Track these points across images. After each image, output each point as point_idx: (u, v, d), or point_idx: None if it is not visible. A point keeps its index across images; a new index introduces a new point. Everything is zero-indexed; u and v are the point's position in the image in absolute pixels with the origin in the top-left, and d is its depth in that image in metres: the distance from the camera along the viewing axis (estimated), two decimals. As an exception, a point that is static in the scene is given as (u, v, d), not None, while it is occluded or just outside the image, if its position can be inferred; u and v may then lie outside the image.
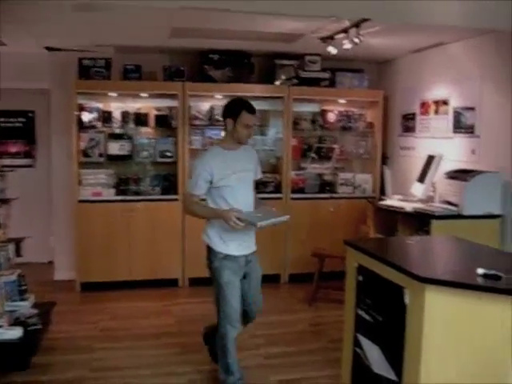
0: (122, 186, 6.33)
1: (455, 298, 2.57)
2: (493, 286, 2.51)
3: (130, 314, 5.50)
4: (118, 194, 6.28)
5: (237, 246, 3.65)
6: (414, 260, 3.26)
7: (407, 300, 2.76)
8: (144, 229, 6.24)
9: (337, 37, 5.17)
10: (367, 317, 3.17)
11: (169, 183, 6.38)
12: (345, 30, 4.91)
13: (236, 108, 3.60)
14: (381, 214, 5.60)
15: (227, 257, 3.63)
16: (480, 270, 2.65)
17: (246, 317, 3.94)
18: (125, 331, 5.05)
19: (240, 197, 3.62)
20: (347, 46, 4.94)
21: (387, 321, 2.97)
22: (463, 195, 4.80)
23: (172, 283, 6.36)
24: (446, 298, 2.59)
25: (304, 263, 6.26)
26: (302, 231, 6.54)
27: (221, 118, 6.34)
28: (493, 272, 2.63)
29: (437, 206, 5.06)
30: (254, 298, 3.91)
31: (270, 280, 6.38)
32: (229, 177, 3.58)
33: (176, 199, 6.27)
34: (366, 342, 3.20)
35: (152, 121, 6.44)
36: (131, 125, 6.38)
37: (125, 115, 6.36)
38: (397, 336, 2.83)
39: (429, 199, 5.38)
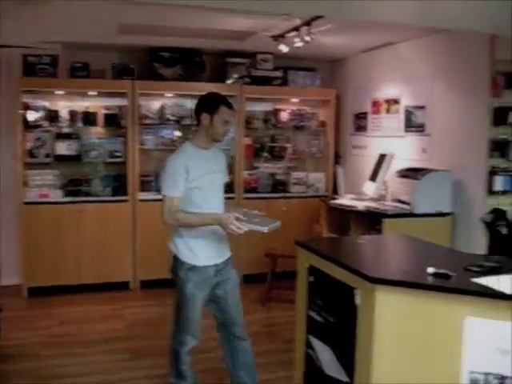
0: (71, 187, 6.14)
1: (405, 297, 2.54)
2: (442, 286, 2.50)
3: (80, 318, 5.34)
4: (66, 195, 6.09)
5: (207, 255, 3.32)
6: (365, 260, 3.24)
7: (358, 300, 2.72)
8: (93, 231, 6.08)
9: (288, 35, 5.12)
10: (318, 318, 3.13)
11: (119, 184, 6.23)
12: (296, 29, 4.88)
13: (213, 102, 3.25)
14: (333, 213, 5.60)
15: (194, 268, 3.28)
16: (430, 269, 2.63)
17: (232, 332, 3.58)
18: (74, 337, 4.89)
19: (212, 200, 3.33)
20: (298, 44, 4.90)
21: (338, 322, 2.94)
22: (414, 194, 4.83)
23: (123, 286, 6.21)
24: (397, 298, 2.56)
25: (258, 263, 6.22)
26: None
27: (172, 118, 6.43)
28: (443, 271, 2.62)
29: (388, 205, 5.08)
30: (233, 308, 3.56)
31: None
32: (202, 178, 3.25)
33: (126, 200, 6.13)
34: (317, 344, 3.15)
35: (101, 120, 6.28)
36: (79, 124, 6.21)
37: (73, 114, 6.19)
38: (348, 337, 2.80)
39: (381, 198, 5.40)
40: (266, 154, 6.85)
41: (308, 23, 4.65)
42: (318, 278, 3.11)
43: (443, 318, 2.50)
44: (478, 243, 4.73)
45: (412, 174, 5.01)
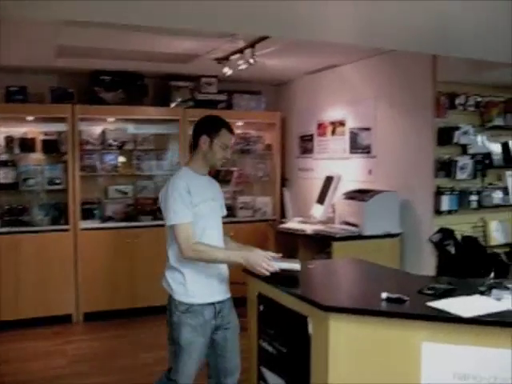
0: (7, 216, 5.84)
1: (360, 325, 2.45)
2: (398, 311, 2.42)
3: (18, 356, 5.01)
4: (2, 225, 5.77)
5: (204, 291, 2.94)
6: (316, 287, 3.13)
7: (311, 330, 2.62)
8: (33, 262, 5.76)
9: (232, 57, 5.06)
10: (270, 348, 3.00)
11: (59, 212, 5.97)
12: (240, 51, 4.81)
13: (215, 125, 3.00)
14: (281, 237, 5.50)
15: (190, 308, 2.89)
16: (384, 294, 2.55)
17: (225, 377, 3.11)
18: (11, 377, 4.57)
19: (213, 231, 2.99)
20: (242, 66, 4.84)
21: (291, 352, 2.82)
22: (362, 215, 4.79)
23: (65, 319, 5.90)
24: (351, 326, 2.47)
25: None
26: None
27: (114, 143, 6.23)
28: (396, 296, 2.54)
29: (337, 228, 5.02)
30: (231, 358, 3.09)
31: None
32: (203, 203, 2.93)
33: (67, 229, 5.87)
34: (270, 375, 3.02)
35: (39, 146, 6.02)
36: (16, 150, 5.93)
37: (9, 140, 5.91)
38: (301, 368, 2.68)
39: (329, 220, 5.34)
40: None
41: (252, 45, 4.59)
42: (268, 307, 2.99)
43: (400, 345, 2.42)
44: (427, 263, 4.73)
45: (359, 196, 4.97)
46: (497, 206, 4.90)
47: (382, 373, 2.45)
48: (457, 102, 4.59)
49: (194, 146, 3.05)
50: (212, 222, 3.00)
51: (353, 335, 2.47)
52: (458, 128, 4.57)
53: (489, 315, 2.34)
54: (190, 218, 2.83)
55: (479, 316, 2.33)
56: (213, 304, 2.97)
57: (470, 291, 2.69)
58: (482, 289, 2.67)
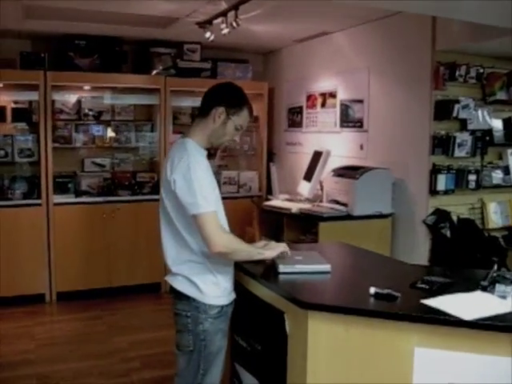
0: (-25, 190, 5.49)
1: (343, 325, 2.13)
2: (386, 311, 2.09)
3: (-18, 340, 4.72)
4: (-31, 199, 5.43)
5: (231, 286, 2.55)
6: (295, 278, 2.78)
7: (288, 327, 2.30)
8: (2, 238, 5.39)
9: (215, 21, 4.66)
10: (244, 344, 2.69)
11: (31, 186, 5.59)
12: (223, 13, 4.41)
13: (239, 100, 2.47)
14: (266, 215, 5.18)
15: (222, 311, 2.46)
16: (372, 290, 2.23)
17: None
18: (-28, 362, 4.28)
19: (223, 221, 2.53)
20: (225, 30, 4.44)
21: (266, 350, 2.50)
22: (352, 194, 4.46)
23: (38, 299, 5.57)
24: (333, 326, 2.15)
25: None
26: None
27: (90, 113, 5.81)
28: (386, 291, 2.22)
29: (324, 207, 4.69)
30: None
31: (149, 290, 5.86)
32: (216, 187, 2.47)
33: (39, 204, 5.51)
34: (243, 373, 2.72)
35: (9, 115, 5.63)
36: (-16, 120, 5.54)
37: (-24, 109, 5.52)
38: (277, 369, 2.37)
39: (316, 198, 5.01)
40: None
41: (235, 7, 4.19)
42: (242, 297, 2.64)
43: (389, 349, 2.10)
44: (420, 246, 4.42)
45: (349, 173, 4.63)
46: (496, 187, 4.57)
47: (368, 380, 2.13)
48: (457, 73, 4.22)
49: (201, 113, 2.50)
50: (221, 209, 2.52)
51: (335, 336, 2.15)
52: (457, 101, 4.20)
53: (492, 318, 2.01)
54: (215, 207, 2.35)
55: (481, 319, 2.01)
56: (234, 300, 2.57)
57: (470, 286, 2.37)
58: (484, 283, 2.35)
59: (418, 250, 4.43)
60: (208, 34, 4.81)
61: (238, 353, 2.76)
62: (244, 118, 2.49)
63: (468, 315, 2.03)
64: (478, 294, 2.30)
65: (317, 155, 5.11)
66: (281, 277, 2.52)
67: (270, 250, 2.58)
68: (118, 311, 5.36)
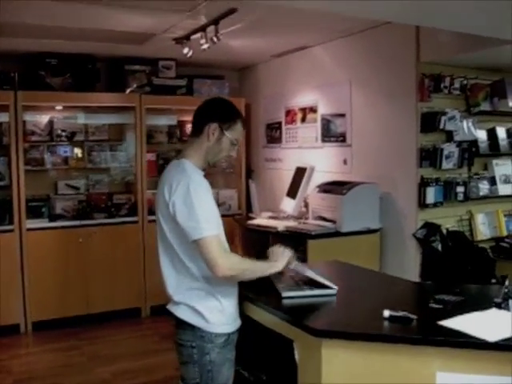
0: None
1: (360, 352, 2.00)
2: (406, 336, 1.97)
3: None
4: None
5: (237, 312, 2.40)
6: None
7: (297, 356, 2.16)
8: (-27, 267, 5.16)
9: (193, 37, 4.54)
10: (246, 374, 2.54)
11: (2, 211, 5.31)
12: (202, 28, 4.30)
13: (231, 114, 2.39)
14: (249, 233, 5.03)
15: (229, 339, 2.31)
16: (386, 313, 2.11)
17: None
18: None
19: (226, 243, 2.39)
20: (205, 46, 4.33)
21: (272, 380, 2.36)
22: (340, 210, 4.35)
23: (12, 330, 5.28)
24: (349, 354, 2.01)
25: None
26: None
27: (63, 134, 5.61)
28: (401, 313, 2.10)
29: (311, 224, 4.57)
30: None
31: (129, 315, 5.65)
32: (217, 211, 2.34)
33: (11, 230, 5.26)
34: (247, 405, 2.56)
35: (-23, 138, 5.38)
36: (-50, 144, 5.29)
37: None
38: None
39: (301, 215, 4.89)
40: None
41: (215, 22, 4.09)
42: (243, 323, 2.49)
43: (410, 375, 1.97)
44: (410, 261, 4.34)
45: (335, 189, 4.53)
46: (483, 198, 4.52)
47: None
48: (442, 84, 4.17)
49: (193, 133, 2.39)
50: (222, 230, 2.36)
51: (352, 365, 2.02)
52: (444, 113, 4.15)
53: (517, 338, 1.91)
54: (218, 229, 2.24)
55: (506, 339, 1.91)
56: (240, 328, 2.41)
57: (482, 303, 2.27)
58: (497, 300, 2.25)
59: (408, 265, 4.34)
60: (186, 50, 4.69)
61: (238, 383, 2.60)
62: (238, 131, 2.41)
63: (491, 336, 1.92)
64: (493, 312, 2.21)
65: (300, 171, 5.00)
66: (284, 302, 2.38)
67: (277, 261, 2.45)
68: (97, 340, 5.12)
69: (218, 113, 2.37)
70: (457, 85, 4.29)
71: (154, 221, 5.62)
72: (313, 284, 2.53)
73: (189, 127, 6.24)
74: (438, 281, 4.17)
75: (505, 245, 4.57)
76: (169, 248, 2.29)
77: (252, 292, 2.50)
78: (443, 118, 4.12)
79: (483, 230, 4.57)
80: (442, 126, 4.14)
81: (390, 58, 4.42)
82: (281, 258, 2.47)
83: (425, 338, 1.95)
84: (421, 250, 4.27)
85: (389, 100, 4.45)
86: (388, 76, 4.45)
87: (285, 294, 2.41)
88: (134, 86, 5.78)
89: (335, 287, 2.45)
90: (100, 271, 5.55)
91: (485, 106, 4.41)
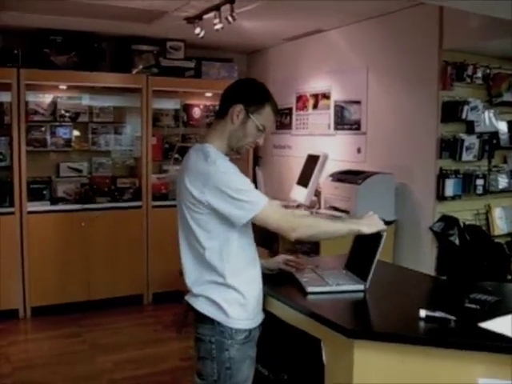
0: None
1: (396, 355, 1.86)
2: (445, 339, 1.83)
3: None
4: None
5: (259, 307, 2.25)
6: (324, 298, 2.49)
7: (326, 358, 2.02)
8: (-29, 250, 5.00)
9: (206, 16, 4.36)
10: (265, 372, 2.40)
11: (3, 193, 5.15)
12: (216, 7, 4.12)
13: (259, 95, 2.19)
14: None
15: (249, 336, 2.16)
16: (422, 313, 1.97)
17: None
18: None
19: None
20: (218, 26, 4.15)
21: (295, 380, 2.22)
22: (354, 200, 4.21)
23: (10, 315, 5.13)
24: (383, 357, 1.88)
25: (170, 280, 5.38)
26: (166, 243, 5.60)
27: (67, 114, 5.44)
28: (439, 314, 1.96)
29: (324, 214, 4.43)
30: None
31: (131, 302, 5.51)
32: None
33: (12, 212, 5.10)
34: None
35: (-22, 116, 5.20)
36: (-50, 121, 5.11)
37: None
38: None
39: (312, 204, 4.75)
40: (176, 156, 6.02)
41: (232, 0, 3.91)
42: (265, 321, 2.35)
43: (449, 382, 1.83)
44: (426, 255, 4.20)
45: (349, 178, 4.38)
46: (502, 192, 4.39)
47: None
48: (465, 73, 4.01)
49: (218, 115, 2.24)
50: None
51: (388, 368, 1.88)
52: (466, 102, 4.00)
53: None
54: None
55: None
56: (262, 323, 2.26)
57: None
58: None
59: (423, 259, 4.21)
60: (198, 30, 4.51)
61: (257, 381, 2.46)
62: (266, 116, 2.19)
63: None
64: (534, 314, 2.07)
65: (312, 159, 4.85)
66: (309, 298, 2.24)
67: (365, 224, 2.29)
68: (98, 327, 4.99)
69: (244, 94, 2.19)
70: (479, 74, 4.13)
71: (158, 206, 5.59)
72: (338, 278, 2.39)
73: (196, 111, 6.09)
74: (454, 276, 4.05)
75: (521, 240, 4.44)
76: (190, 237, 2.15)
77: (273, 285, 2.36)
78: (466, 108, 3.96)
79: (500, 224, 4.43)
80: (464, 116, 3.99)
81: (411, 44, 4.25)
82: (371, 223, 2.29)
83: (467, 341, 1.81)
84: (437, 243, 4.14)
85: (408, 88, 4.29)
86: (408, 63, 4.28)
87: (310, 289, 2.27)
88: (141, 66, 5.60)
89: (363, 282, 2.31)
90: (102, 257, 5.40)
91: (507, 97, 4.26)
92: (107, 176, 5.67)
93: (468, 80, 4.08)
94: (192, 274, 2.17)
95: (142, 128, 5.61)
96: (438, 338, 1.84)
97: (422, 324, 1.94)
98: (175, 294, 5.25)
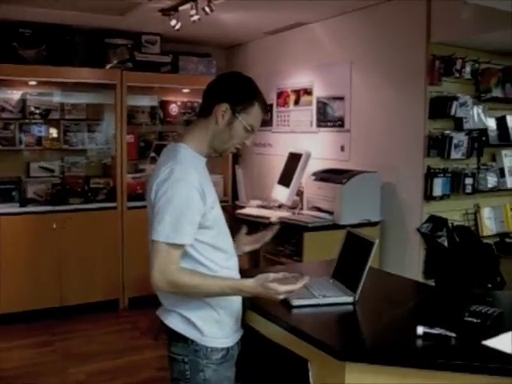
0: None
1: (394, 378, 1.67)
2: (450, 362, 1.64)
3: None
4: None
5: (237, 324, 2.05)
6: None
7: (312, 378, 1.82)
8: None
9: (182, 8, 4.15)
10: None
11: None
12: (192, -1, 3.92)
13: (247, 92, 1.97)
14: (236, 223, 4.67)
15: (227, 355, 1.97)
16: (420, 329, 1.78)
17: None
18: None
19: (227, 236, 2.07)
20: (195, 17, 3.95)
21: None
22: (339, 201, 4.02)
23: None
24: (379, 380, 1.68)
25: (147, 284, 5.14)
26: (143, 246, 5.36)
27: (37, 111, 5.16)
28: (438, 331, 1.78)
29: (307, 215, 4.24)
30: None
31: (106, 308, 5.26)
32: (216, 201, 1.99)
33: (-22, 215, 4.84)
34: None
35: None
36: None
37: None
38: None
39: (294, 205, 4.56)
40: (152, 154, 5.80)
41: (208, -9, 3.71)
42: (248, 338, 2.15)
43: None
44: (413, 257, 4.03)
45: (333, 177, 4.19)
46: (491, 191, 4.24)
47: None
48: (454, 67, 3.85)
49: (201, 113, 2.02)
50: (223, 223, 2.04)
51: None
52: (456, 98, 3.83)
53: None
54: (185, 240, 1.83)
55: None
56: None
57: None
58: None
59: (410, 262, 4.04)
60: (173, 22, 4.30)
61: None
62: (255, 115, 1.97)
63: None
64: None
65: (293, 157, 4.65)
66: (294, 312, 2.05)
67: (257, 292, 1.87)
68: (71, 335, 4.74)
69: (229, 91, 1.96)
70: (468, 68, 3.97)
71: (134, 207, 5.36)
72: (325, 289, 2.20)
73: (173, 108, 5.87)
74: (442, 279, 3.90)
75: (510, 240, 4.30)
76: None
77: (255, 298, 2.16)
78: (455, 104, 3.80)
79: (489, 224, 4.28)
80: (453, 112, 3.82)
81: (397, 37, 4.07)
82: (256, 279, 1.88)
83: (472, 363, 1.62)
84: (425, 245, 3.97)
85: (394, 83, 4.12)
86: (394, 57, 4.11)
87: (295, 303, 2.07)
88: (115, 61, 5.36)
89: (352, 294, 2.12)
90: (75, 260, 5.14)
91: (496, 93, 4.10)
92: (80, 176, 5.42)
93: (456, 75, 3.91)
94: None
95: (116, 126, 5.37)
96: (441, 360, 1.64)
97: (419, 342, 1.76)
98: (152, 299, 4.98)
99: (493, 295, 2.33)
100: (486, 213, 4.27)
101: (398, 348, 1.75)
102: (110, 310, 5.29)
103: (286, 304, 2.08)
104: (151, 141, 5.81)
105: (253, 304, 2.13)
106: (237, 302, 2.02)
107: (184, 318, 1.92)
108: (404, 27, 4.01)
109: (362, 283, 2.13)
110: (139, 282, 5.31)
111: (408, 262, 4.05)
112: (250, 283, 1.86)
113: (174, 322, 1.94)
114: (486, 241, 4.25)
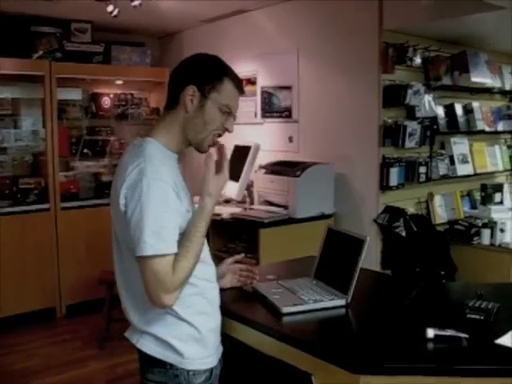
0: None
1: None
2: (468, 367, 1.51)
3: None
4: None
5: (217, 340, 1.82)
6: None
7: (317, 393, 1.66)
8: None
9: (119, -8, 3.87)
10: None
11: None
12: (131, -18, 3.65)
13: (214, 70, 1.73)
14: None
15: (211, 376, 1.75)
16: (430, 332, 1.65)
17: None
18: None
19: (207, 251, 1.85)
20: (136, 2, 3.68)
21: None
22: (293, 194, 3.89)
23: None
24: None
25: (86, 289, 4.93)
26: (79, 249, 5.10)
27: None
28: (449, 332, 1.66)
29: (259, 210, 4.08)
30: None
31: (42, 318, 4.90)
32: (191, 203, 1.77)
33: None
34: None
35: None
36: None
37: None
38: None
39: (244, 200, 4.38)
40: (86, 150, 5.46)
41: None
42: (234, 352, 1.95)
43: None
44: (371, 248, 3.85)
45: (285, 170, 4.05)
46: (442, 178, 4.23)
47: None
48: (406, 55, 3.79)
49: (168, 105, 1.77)
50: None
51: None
52: (410, 86, 3.77)
53: None
54: (170, 249, 1.57)
55: None
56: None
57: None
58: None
59: (367, 253, 3.92)
60: (110, 8, 3.99)
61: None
62: (228, 93, 1.72)
63: None
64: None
65: (240, 150, 4.46)
66: (285, 320, 1.87)
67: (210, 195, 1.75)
68: (9, 349, 4.34)
69: (194, 71, 1.73)
70: (418, 56, 3.92)
71: (68, 208, 5.02)
72: (312, 292, 2.04)
73: (105, 101, 5.54)
74: (399, 269, 3.85)
75: (459, 227, 4.30)
76: (124, 257, 1.69)
77: (233, 305, 1.97)
78: (409, 92, 3.74)
79: (440, 212, 4.28)
80: (407, 101, 3.76)
81: (348, 24, 3.97)
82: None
83: (493, 367, 1.51)
84: (381, 236, 3.91)
85: (346, 71, 4.02)
86: (345, 44, 4.01)
87: (285, 310, 1.90)
88: (42, 51, 4.97)
89: (344, 296, 1.98)
90: (6, 267, 4.73)
91: (446, 81, 4.09)
92: (7, 176, 4.98)
93: (408, 63, 3.86)
94: (130, 305, 1.72)
95: (45, 121, 4.98)
96: (460, 366, 1.52)
97: (431, 346, 1.63)
98: (92, 304, 4.75)
99: (481, 286, 2.23)
100: (438, 201, 4.26)
101: (414, 356, 1.60)
102: (47, 320, 4.91)
103: (274, 312, 1.91)
104: (82, 136, 5.46)
105: (233, 311, 1.94)
106: (216, 313, 1.82)
107: (159, 340, 1.68)
108: (355, 13, 3.92)
109: (353, 284, 1.98)
110: (77, 287, 5.01)
111: (365, 253, 3.96)
112: (205, 201, 1.72)
113: (148, 346, 1.69)
114: (438, 228, 4.25)
